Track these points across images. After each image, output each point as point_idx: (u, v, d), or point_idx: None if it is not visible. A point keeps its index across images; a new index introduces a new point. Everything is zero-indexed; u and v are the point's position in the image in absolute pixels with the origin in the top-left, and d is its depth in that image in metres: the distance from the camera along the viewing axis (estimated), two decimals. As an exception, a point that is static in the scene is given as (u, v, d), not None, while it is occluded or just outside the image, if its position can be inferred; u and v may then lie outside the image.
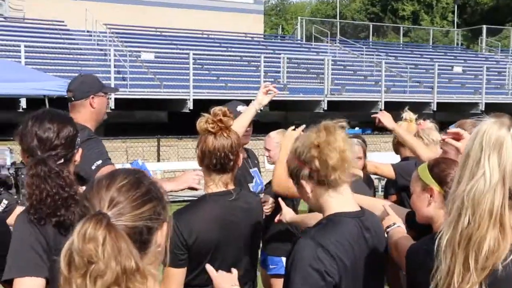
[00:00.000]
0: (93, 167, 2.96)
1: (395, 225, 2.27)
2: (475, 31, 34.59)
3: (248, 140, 3.76)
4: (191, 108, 15.20)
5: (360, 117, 18.55)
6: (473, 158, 1.46)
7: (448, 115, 20.01)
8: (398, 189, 4.07)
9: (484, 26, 30.79)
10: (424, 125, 4.04)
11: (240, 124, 3.13)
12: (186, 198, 8.31)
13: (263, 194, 3.71)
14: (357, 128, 16.86)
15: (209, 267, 2.06)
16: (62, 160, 2.10)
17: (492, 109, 21.31)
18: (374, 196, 3.90)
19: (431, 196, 2.15)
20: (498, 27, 34.23)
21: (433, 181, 2.14)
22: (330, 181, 1.84)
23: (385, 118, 3.44)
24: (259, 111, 3.31)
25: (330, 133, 1.85)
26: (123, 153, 13.29)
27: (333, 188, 1.87)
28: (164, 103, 16.08)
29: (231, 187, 2.40)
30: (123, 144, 13.55)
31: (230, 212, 2.33)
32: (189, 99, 15.30)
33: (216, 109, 2.36)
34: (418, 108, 18.66)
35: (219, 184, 2.36)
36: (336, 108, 17.59)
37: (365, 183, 3.74)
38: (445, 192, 2.07)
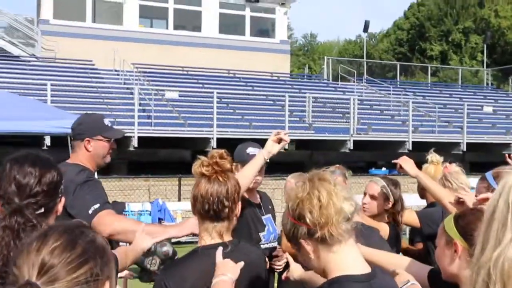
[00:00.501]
0: (90, 212, 2.80)
1: (409, 282, 2.02)
2: (506, 71, 34.11)
3: (257, 185, 3.52)
4: (215, 146, 15.04)
5: (386, 157, 18.16)
6: (498, 219, 1.20)
7: (478, 156, 19.50)
8: (424, 239, 3.77)
9: (515, 66, 30.32)
10: (451, 168, 3.76)
11: (245, 175, 2.94)
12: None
13: (278, 246, 3.37)
14: (384, 169, 16.48)
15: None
16: (43, 210, 1.90)
17: (525, 150, 20.72)
18: (398, 251, 3.54)
19: (455, 251, 1.90)
20: (528, 66, 33.68)
21: (458, 235, 1.90)
22: (327, 238, 1.62)
23: (407, 164, 3.18)
24: (267, 161, 3.09)
25: (313, 185, 1.66)
26: (145, 192, 13.18)
27: (335, 246, 1.64)
28: (188, 142, 16.01)
29: (227, 238, 2.16)
30: (145, 183, 13.46)
31: None
32: (212, 138, 15.20)
33: (214, 151, 2.20)
34: (448, 149, 18.30)
35: (213, 234, 2.13)
36: (363, 148, 17.28)
37: (393, 236, 3.39)
38: (471, 249, 1.82)
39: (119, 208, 10.42)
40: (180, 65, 22.27)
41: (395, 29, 52.54)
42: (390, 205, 3.43)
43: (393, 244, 3.37)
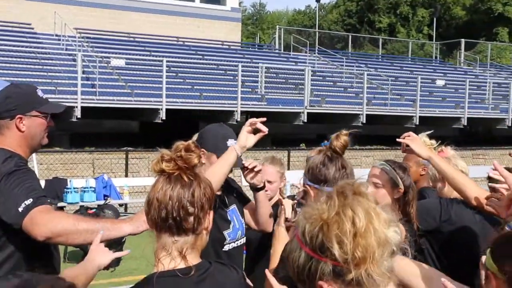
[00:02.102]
0: (20, 209, 2.17)
1: None
2: (451, 45, 34.61)
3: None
4: (164, 118, 14.36)
5: (340, 129, 17.91)
6: None
7: (428, 129, 19.56)
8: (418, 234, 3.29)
9: (463, 40, 30.71)
10: (447, 152, 3.28)
11: (213, 174, 2.39)
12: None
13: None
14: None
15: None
16: None
17: (474, 123, 21.02)
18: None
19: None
20: (475, 41, 34.33)
21: (493, 265, 1.44)
22: (363, 281, 1.12)
23: (415, 144, 2.65)
24: (240, 156, 2.54)
25: (345, 201, 1.15)
26: (89, 166, 12.41)
27: None
28: (135, 113, 15.20)
29: (193, 259, 1.61)
30: (89, 156, 12.68)
31: None
32: (161, 109, 14.45)
33: (179, 143, 1.65)
34: (400, 122, 18.28)
35: (173, 253, 1.58)
36: (316, 121, 16.95)
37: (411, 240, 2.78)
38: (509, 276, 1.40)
39: (60, 185, 9.66)
40: (126, 31, 21.22)
41: (344, 0, 52.47)
42: (400, 194, 2.77)
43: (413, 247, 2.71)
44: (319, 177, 2.09)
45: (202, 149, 2.59)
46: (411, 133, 2.74)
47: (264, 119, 2.51)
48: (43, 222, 2.15)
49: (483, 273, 1.52)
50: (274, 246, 2.32)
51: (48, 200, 2.33)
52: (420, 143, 2.67)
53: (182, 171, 1.59)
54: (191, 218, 1.58)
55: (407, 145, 2.70)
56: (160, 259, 1.58)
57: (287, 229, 2.42)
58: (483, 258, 1.53)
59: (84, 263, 2.04)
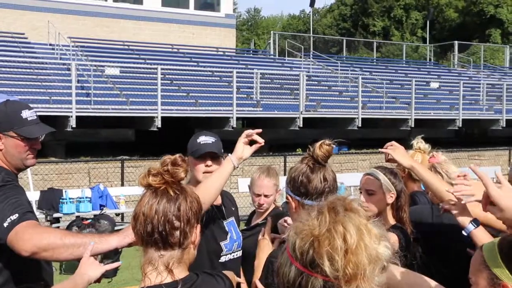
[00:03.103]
0: (6, 224, 2.17)
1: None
2: (445, 47, 34.74)
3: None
4: (160, 126, 14.34)
5: (336, 134, 17.92)
6: None
7: (425, 132, 19.58)
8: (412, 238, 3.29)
9: (456, 42, 30.81)
10: (438, 157, 3.28)
11: (208, 186, 2.41)
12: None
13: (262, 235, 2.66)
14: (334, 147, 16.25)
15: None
16: None
17: (469, 125, 21.06)
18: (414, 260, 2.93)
19: None
20: (468, 43, 34.49)
21: (508, 274, 1.38)
22: None
23: (398, 154, 2.66)
24: (236, 167, 2.54)
25: (336, 217, 1.14)
26: (85, 176, 12.37)
27: None
28: (131, 121, 15.18)
29: (179, 273, 1.60)
30: (85, 166, 12.65)
31: None
32: (157, 117, 14.42)
33: (166, 157, 1.64)
34: (396, 125, 18.30)
35: (160, 267, 1.57)
36: (312, 125, 16.97)
37: (404, 246, 2.72)
38: None
39: (56, 195, 9.64)
40: (121, 40, 21.22)
41: (338, 4, 52.68)
42: (393, 199, 2.83)
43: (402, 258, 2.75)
44: (300, 190, 2.04)
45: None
46: (393, 142, 2.75)
47: (260, 130, 2.53)
48: (27, 237, 2.14)
49: (483, 279, 1.47)
50: (258, 257, 2.32)
51: (33, 216, 2.32)
52: (402, 152, 2.67)
53: (168, 185, 1.59)
54: (177, 233, 1.57)
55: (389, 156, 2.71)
56: (146, 273, 1.58)
57: (272, 241, 2.42)
58: (481, 255, 1.48)
59: (74, 277, 2.03)
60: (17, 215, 2.19)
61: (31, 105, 2.64)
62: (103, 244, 2.20)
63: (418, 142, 3.46)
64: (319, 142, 2.09)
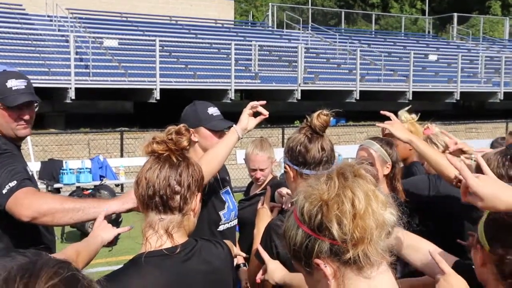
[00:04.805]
0: (4, 191, 2.23)
1: None
2: (444, 19, 34.47)
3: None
4: (158, 98, 14.39)
5: (334, 106, 17.93)
6: None
7: (422, 104, 19.65)
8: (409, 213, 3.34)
9: (455, 14, 30.59)
10: (432, 129, 3.35)
11: (214, 155, 2.46)
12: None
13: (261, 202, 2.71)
14: (331, 118, 16.32)
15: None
16: None
17: (467, 98, 21.10)
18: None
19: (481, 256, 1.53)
20: (467, 15, 34.22)
21: (486, 243, 1.50)
22: (360, 260, 1.16)
23: (395, 128, 2.71)
24: (241, 138, 2.60)
25: (345, 183, 1.17)
26: (84, 147, 12.47)
27: (367, 271, 1.17)
28: (129, 93, 15.21)
29: (179, 238, 1.64)
30: (85, 137, 12.74)
31: (180, 281, 1.60)
32: (155, 89, 14.46)
33: (171, 126, 1.70)
34: (394, 98, 18.33)
35: (160, 231, 1.62)
36: (310, 98, 17.01)
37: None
38: (499, 258, 1.48)
39: (56, 166, 9.74)
40: (118, 11, 21.07)
41: (338, -24, 51.95)
42: (389, 170, 2.90)
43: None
44: (298, 159, 2.07)
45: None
46: (391, 115, 2.80)
47: (264, 102, 2.59)
48: (27, 203, 2.19)
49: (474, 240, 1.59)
50: (257, 225, 2.38)
51: (31, 183, 2.36)
52: (399, 127, 2.72)
53: (171, 152, 1.65)
54: (178, 197, 1.62)
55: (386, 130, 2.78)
56: (147, 238, 1.62)
57: (271, 210, 2.49)
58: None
59: (87, 239, 2.09)
60: (15, 182, 2.24)
61: (30, 77, 2.66)
62: (101, 208, 2.22)
63: (403, 114, 3.51)
64: (317, 112, 2.12)
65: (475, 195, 1.51)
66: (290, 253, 1.24)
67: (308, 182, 1.23)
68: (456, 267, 1.70)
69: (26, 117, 2.50)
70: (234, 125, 2.58)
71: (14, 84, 2.47)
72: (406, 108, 3.59)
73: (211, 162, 2.45)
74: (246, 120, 2.56)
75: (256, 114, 2.61)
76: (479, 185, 1.50)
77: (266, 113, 2.57)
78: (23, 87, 2.49)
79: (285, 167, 2.12)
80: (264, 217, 2.38)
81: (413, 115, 3.60)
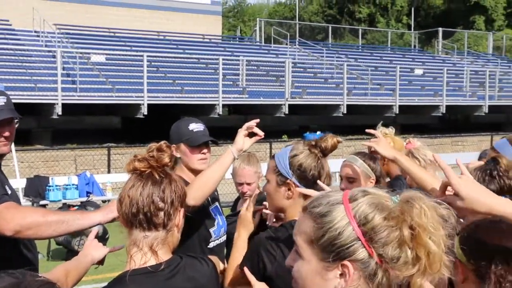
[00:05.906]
0: None
1: None
2: (429, 34, 34.87)
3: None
4: (146, 113, 14.37)
5: (321, 120, 18.11)
6: None
7: (408, 118, 19.82)
8: None
9: (441, 29, 30.98)
10: (414, 143, 3.40)
11: (209, 176, 2.48)
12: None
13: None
14: (318, 132, 16.34)
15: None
16: None
17: (453, 111, 21.30)
18: None
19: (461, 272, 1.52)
20: (452, 29, 34.65)
21: (462, 255, 1.50)
22: (378, 281, 1.14)
23: (380, 146, 2.74)
24: (237, 158, 2.62)
25: (421, 211, 1.14)
26: (71, 163, 12.40)
27: (372, 284, 1.15)
28: (117, 108, 15.18)
29: (163, 255, 1.64)
30: (71, 153, 12.67)
31: None
32: (143, 104, 14.45)
33: (152, 144, 1.72)
34: (381, 112, 18.47)
35: (144, 248, 1.62)
36: (298, 112, 17.09)
37: None
38: (477, 271, 1.47)
39: (42, 183, 9.67)
40: (106, 27, 21.08)
41: (324, -9, 52.46)
42: (373, 184, 2.91)
43: None
44: (309, 179, 2.03)
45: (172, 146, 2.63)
46: (376, 133, 2.82)
47: (258, 120, 2.60)
48: (10, 217, 2.17)
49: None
50: (238, 230, 2.32)
51: (10, 198, 2.33)
52: (385, 145, 2.71)
53: (153, 169, 1.66)
54: (161, 214, 1.62)
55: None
56: (132, 255, 1.62)
57: (254, 213, 2.42)
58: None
59: (78, 258, 2.08)
60: None
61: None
62: (85, 220, 2.23)
63: (382, 130, 3.52)
64: (330, 135, 2.11)
65: (456, 194, 1.51)
66: (316, 240, 1.17)
67: (374, 189, 1.19)
68: None
69: (6, 133, 2.47)
70: (229, 146, 2.59)
71: None
72: (380, 123, 3.62)
73: (207, 183, 2.48)
74: (242, 140, 2.58)
75: (251, 134, 2.63)
76: (461, 184, 1.50)
77: (261, 133, 2.58)
78: (3, 103, 2.47)
79: (287, 184, 2.05)
80: (246, 223, 2.34)
81: (389, 129, 3.63)
